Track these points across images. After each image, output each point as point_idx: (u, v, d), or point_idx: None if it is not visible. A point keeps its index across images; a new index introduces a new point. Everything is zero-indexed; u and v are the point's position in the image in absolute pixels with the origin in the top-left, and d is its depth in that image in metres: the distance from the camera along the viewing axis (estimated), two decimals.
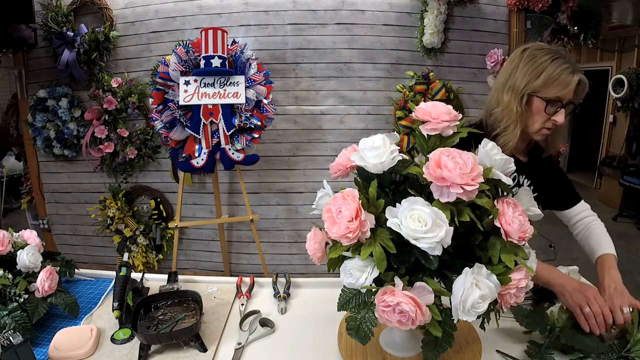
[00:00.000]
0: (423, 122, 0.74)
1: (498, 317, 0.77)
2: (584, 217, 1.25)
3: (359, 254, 0.68)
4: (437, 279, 0.71)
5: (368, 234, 0.68)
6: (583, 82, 1.06)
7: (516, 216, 0.68)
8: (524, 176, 1.20)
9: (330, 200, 0.72)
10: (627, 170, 4.77)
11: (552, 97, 1.05)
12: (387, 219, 0.67)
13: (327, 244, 0.80)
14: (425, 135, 0.74)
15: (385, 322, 0.68)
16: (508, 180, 0.70)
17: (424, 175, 0.66)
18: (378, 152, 0.71)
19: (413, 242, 0.63)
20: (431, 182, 0.66)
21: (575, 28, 2.76)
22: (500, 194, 0.74)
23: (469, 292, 0.64)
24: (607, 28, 4.17)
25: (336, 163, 0.81)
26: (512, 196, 0.75)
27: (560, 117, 1.06)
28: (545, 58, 1.05)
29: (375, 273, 0.68)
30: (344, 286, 0.77)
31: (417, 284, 0.67)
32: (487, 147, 0.72)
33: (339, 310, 0.81)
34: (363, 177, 0.78)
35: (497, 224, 0.68)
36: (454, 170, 0.63)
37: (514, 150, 1.15)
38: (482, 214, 0.70)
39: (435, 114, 0.73)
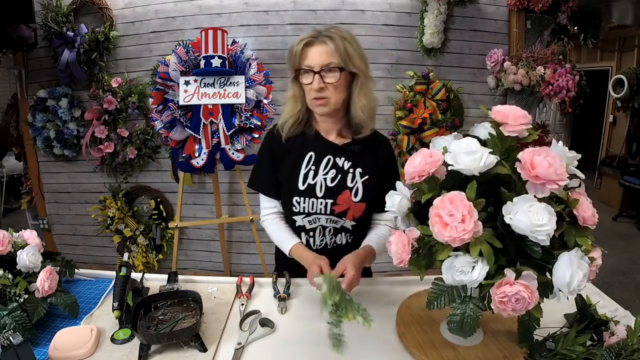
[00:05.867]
0: (500, 124, 0.77)
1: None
2: (383, 224, 1.27)
3: (467, 252, 0.72)
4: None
5: (480, 232, 0.72)
6: (315, 47, 1.10)
7: (589, 205, 0.75)
8: (343, 159, 1.20)
9: (437, 204, 0.74)
10: (627, 170, 4.76)
11: (302, 68, 1.12)
12: (487, 217, 0.73)
13: (412, 245, 0.81)
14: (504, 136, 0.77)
15: (500, 312, 0.72)
16: (581, 175, 0.77)
17: (521, 175, 0.71)
18: (475, 156, 0.73)
19: (531, 235, 0.68)
20: (526, 181, 0.71)
21: (575, 28, 2.76)
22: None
23: (575, 273, 0.69)
24: (607, 28, 4.16)
25: (415, 170, 0.79)
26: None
27: (314, 83, 1.10)
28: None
29: (486, 268, 0.72)
30: (434, 283, 0.84)
31: (524, 272, 0.72)
32: (560, 144, 0.76)
33: (427, 308, 0.84)
34: (454, 179, 0.79)
35: (575, 212, 0.74)
36: (549, 168, 0.68)
37: (326, 133, 1.21)
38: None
39: (513, 117, 0.77)
